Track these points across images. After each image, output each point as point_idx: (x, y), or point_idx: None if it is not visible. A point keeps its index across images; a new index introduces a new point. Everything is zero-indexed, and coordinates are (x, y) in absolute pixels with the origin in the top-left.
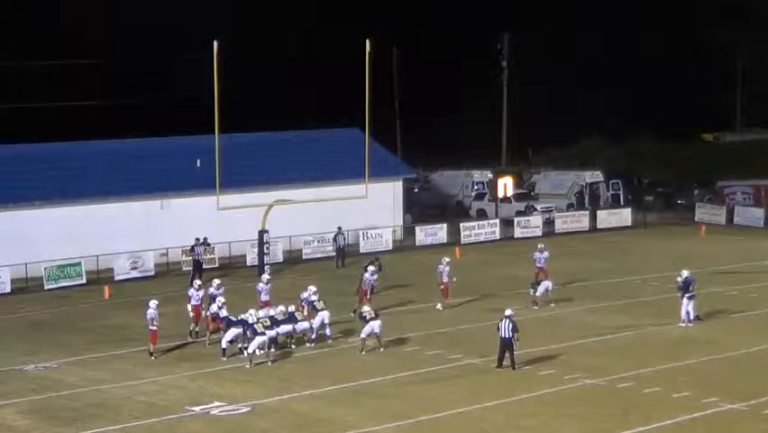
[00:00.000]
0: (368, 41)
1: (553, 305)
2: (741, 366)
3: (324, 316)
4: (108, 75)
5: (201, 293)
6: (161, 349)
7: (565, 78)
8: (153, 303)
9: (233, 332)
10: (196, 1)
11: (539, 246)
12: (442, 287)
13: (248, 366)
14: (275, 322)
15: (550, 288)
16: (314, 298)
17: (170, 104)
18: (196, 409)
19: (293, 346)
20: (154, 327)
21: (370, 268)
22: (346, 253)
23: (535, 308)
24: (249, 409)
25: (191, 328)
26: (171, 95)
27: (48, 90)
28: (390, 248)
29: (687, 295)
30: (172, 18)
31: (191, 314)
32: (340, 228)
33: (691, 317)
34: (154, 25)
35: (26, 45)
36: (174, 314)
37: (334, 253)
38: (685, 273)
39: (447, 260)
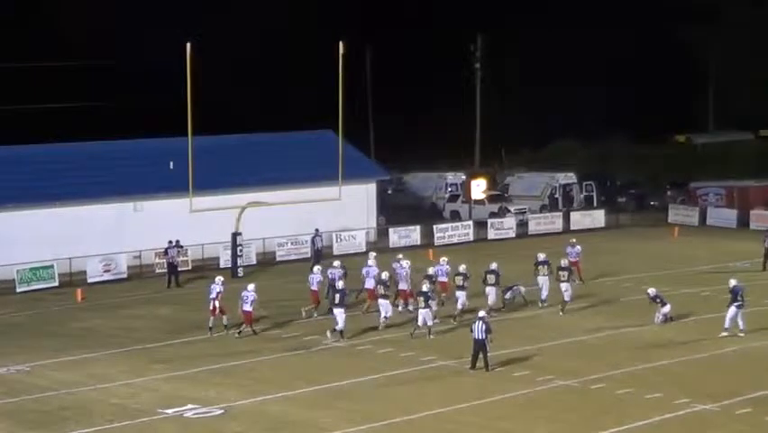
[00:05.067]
0: (341, 44)
1: (561, 308)
2: (713, 367)
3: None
4: (82, 77)
5: (319, 276)
6: (167, 347)
7: (537, 80)
8: (252, 286)
9: (340, 315)
10: (168, 2)
11: (571, 241)
12: (439, 287)
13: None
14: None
15: (522, 291)
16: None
17: (143, 106)
18: (169, 411)
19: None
20: (249, 309)
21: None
22: (323, 255)
23: (502, 308)
24: (222, 411)
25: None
26: (144, 97)
27: (19, 93)
28: (364, 250)
29: (735, 304)
30: (145, 20)
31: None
32: (317, 230)
33: (741, 327)
34: (126, 27)
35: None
36: (151, 316)
37: (310, 255)
38: (733, 282)
39: (446, 259)
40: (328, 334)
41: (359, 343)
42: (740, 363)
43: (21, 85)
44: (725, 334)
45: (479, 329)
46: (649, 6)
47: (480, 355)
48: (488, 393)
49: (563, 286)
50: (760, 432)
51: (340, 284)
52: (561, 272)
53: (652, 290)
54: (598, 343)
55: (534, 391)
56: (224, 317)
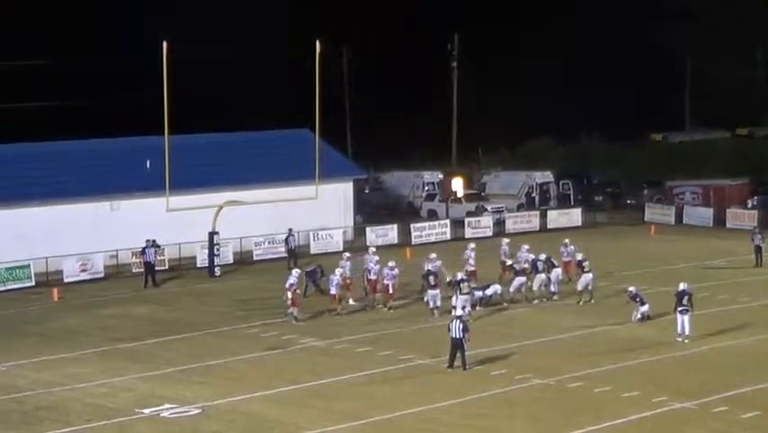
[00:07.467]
0: (317, 42)
1: (536, 302)
2: (690, 365)
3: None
4: (57, 76)
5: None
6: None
7: (514, 79)
8: (339, 271)
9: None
10: (143, 1)
11: (564, 241)
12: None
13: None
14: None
15: (498, 291)
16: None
17: (119, 105)
18: (146, 411)
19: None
20: (334, 292)
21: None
22: (297, 255)
23: (478, 308)
24: (199, 410)
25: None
26: (120, 96)
27: None
28: (341, 249)
29: (680, 309)
30: (119, 18)
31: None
32: (291, 230)
33: (687, 332)
34: (100, 25)
35: None
36: (128, 315)
37: (286, 255)
38: (681, 286)
39: (568, 240)
40: (435, 313)
41: (336, 342)
42: (717, 362)
43: None
44: (678, 340)
45: (456, 328)
46: (625, 5)
47: (458, 354)
48: (465, 392)
49: (586, 277)
50: (736, 430)
51: (432, 266)
52: (584, 263)
53: (632, 289)
54: (576, 341)
55: (511, 390)
56: (295, 309)
